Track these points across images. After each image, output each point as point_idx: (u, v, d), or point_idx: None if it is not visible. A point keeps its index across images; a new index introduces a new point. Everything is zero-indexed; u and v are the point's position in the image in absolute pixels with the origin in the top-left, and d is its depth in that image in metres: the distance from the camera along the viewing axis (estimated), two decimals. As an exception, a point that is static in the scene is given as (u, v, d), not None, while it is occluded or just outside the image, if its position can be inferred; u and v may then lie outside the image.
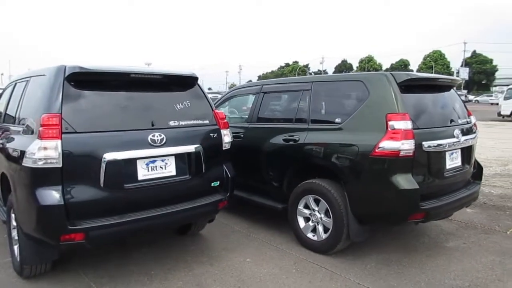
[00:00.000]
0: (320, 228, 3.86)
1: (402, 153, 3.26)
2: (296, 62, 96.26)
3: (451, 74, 64.19)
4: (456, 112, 4.04)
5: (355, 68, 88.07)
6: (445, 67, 72.46)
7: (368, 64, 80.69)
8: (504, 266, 3.62)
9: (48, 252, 3.15)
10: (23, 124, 3.18)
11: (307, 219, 4.00)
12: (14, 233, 3.47)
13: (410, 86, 3.59)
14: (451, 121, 3.86)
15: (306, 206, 3.98)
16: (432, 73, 67.09)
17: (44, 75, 3.14)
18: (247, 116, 4.86)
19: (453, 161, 3.75)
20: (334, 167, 3.67)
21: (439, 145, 3.51)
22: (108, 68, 3.08)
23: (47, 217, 2.71)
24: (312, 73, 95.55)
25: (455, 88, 4.32)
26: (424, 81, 3.83)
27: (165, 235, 4.31)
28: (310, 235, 3.95)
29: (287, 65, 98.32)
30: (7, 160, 3.15)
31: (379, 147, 3.32)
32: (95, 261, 3.66)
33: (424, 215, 3.42)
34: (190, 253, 3.90)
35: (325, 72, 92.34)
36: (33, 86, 3.40)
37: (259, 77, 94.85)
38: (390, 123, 3.32)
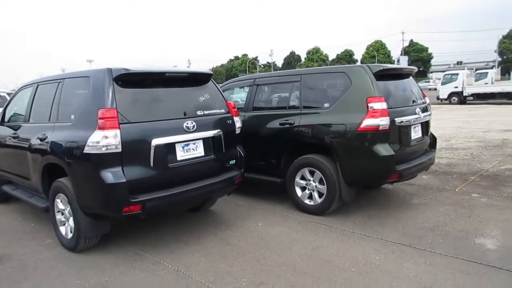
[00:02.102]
0: (315, 195, 4.72)
1: (380, 128, 4.18)
2: (245, 55, 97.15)
3: (392, 62, 68.39)
4: (415, 94, 5.06)
5: (303, 60, 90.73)
6: (386, 56, 77.03)
7: (316, 55, 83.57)
8: (456, 212, 4.70)
9: (103, 226, 3.74)
10: (69, 120, 3.69)
11: (303, 188, 4.85)
12: (59, 216, 3.99)
13: (382, 75, 4.51)
14: (413, 101, 4.87)
15: (303, 178, 4.82)
16: (375, 61, 71.48)
17: (87, 76, 3.67)
18: (242, 106, 5.59)
19: (416, 133, 4.76)
20: (326, 143, 4.52)
21: (406, 120, 4.49)
22: (147, 69, 3.69)
23: (113, 193, 3.30)
24: (262, 66, 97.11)
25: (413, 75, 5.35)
26: (392, 71, 4.78)
27: (181, 214, 4.97)
28: (307, 201, 4.81)
29: (237, 58, 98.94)
30: (61, 151, 3.65)
31: (362, 124, 4.21)
32: (132, 235, 4.27)
33: (398, 175, 4.39)
34: (209, 224, 4.61)
35: (274, 64, 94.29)
36: (72, 87, 3.92)
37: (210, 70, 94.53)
38: (370, 104, 4.22)
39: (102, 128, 3.27)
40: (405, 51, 73.18)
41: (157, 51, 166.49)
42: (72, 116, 3.68)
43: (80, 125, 3.52)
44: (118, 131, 3.29)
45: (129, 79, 3.55)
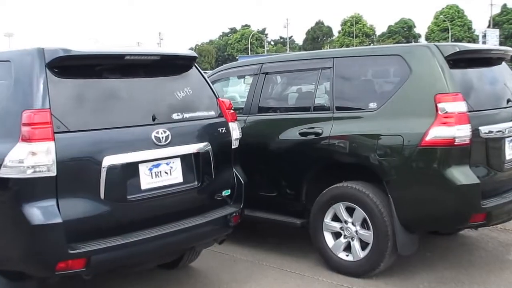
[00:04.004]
0: (356, 245, 4.72)
1: (457, 141, 4.20)
2: (246, 27, 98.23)
3: (474, 39, 68.80)
4: (511, 89, 5.09)
5: (336, 34, 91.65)
6: (466, 29, 77.60)
7: (356, 27, 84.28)
8: None
9: (26, 290, 3.76)
10: None
11: (337, 235, 4.87)
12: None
13: (459, 60, 4.57)
14: (508, 101, 4.91)
15: (336, 218, 4.84)
16: (447, 38, 71.83)
17: (7, 61, 3.73)
18: (243, 106, 5.66)
19: (512, 150, 4.78)
20: (372, 164, 4.56)
21: (498, 130, 4.53)
22: (98, 51, 3.77)
23: (42, 240, 3.31)
24: (272, 43, 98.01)
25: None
26: (476, 53, 4.85)
27: (147, 272, 4.98)
28: (342, 255, 4.82)
29: (234, 31, 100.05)
30: None
31: (429, 135, 4.24)
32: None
33: (485, 216, 4.40)
34: (189, 288, 4.64)
35: (291, 40, 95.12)
36: None
37: (193, 50, 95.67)
38: (440, 105, 4.25)
39: (27, 139, 3.30)
40: (494, 22, 73.61)
41: (109, 22, 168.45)
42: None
43: None
44: (52, 144, 3.32)
45: (70, 65, 3.62)
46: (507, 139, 4.69)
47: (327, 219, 4.87)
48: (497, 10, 77.99)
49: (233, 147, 4.45)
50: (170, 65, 4.27)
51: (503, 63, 5.30)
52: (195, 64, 4.45)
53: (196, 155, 4.07)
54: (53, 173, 3.32)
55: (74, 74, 3.65)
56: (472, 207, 4.32)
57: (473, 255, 5.28)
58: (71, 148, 3.43)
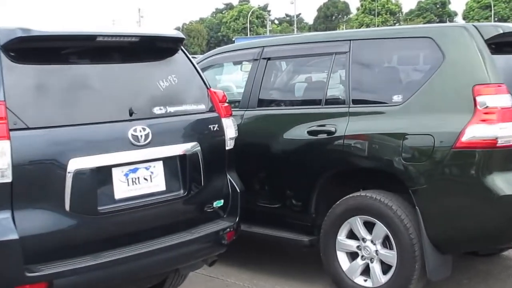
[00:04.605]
0: (376, 268, 4.70)
1: (500, 142, 4.16)
2: (245, 2, 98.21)
3: (521, 18, 68.70)
4: None
5: (354, 11, 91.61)
6: None
7: (378, 3, 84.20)
8: None
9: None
10: None
11: (353, 256, 4.85)
12: None
13: (502, 44, 4.55)
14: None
15: (351, 235, 4.83)
16: (490, 15, 71.68)
17: None
18: (239, 99, 5.64)
19: None
20: (396, 170, 4.54)
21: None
22: (63, 31, 3.75)
23: (-6, 260, 3.30)
24: (276, 22, 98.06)
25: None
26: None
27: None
28: (359, 280, 4.80)
29: (230, 6, 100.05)
30: None
31: (465, 135, 4.21)
32: None
33: (534, 234, 4.37)
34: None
35: (299, 18, 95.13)
36: None
37: (180, 30, 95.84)
38: (479, 99, 4.22)
39: None
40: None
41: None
42: None
43: None
44: (6, 144, 3.28)
45: (30, 48, 3.59)
46: (559, 141, 4.67)
47: (341, 236, 4.86)
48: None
49: (227, 148, 4.44)
50: (152, 49, 4.24)
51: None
52: (182, 47, 4.42)
53: (182, 157, 4.05)
54: (8, 179, 3.28)
55: (35, 59, 3.62)
56: (518, 223, 4.30)
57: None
58: (31, 148, 3.40)
